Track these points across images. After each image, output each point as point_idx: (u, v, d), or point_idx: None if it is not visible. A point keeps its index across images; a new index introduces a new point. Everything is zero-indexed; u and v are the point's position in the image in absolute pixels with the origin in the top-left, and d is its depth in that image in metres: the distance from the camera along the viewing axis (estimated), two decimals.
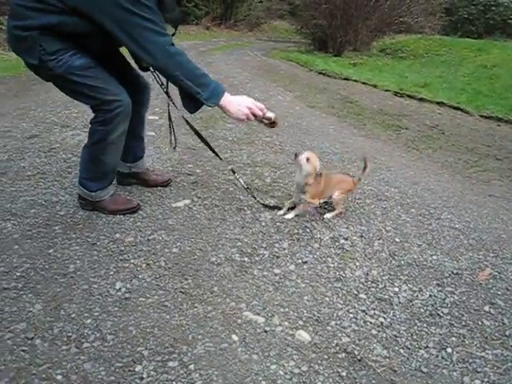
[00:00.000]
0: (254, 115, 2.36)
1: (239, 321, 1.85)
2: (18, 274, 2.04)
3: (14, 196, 2.75)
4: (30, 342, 1.68)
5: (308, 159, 2.49)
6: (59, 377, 1.54)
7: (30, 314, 1.81)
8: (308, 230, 2.57)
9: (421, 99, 6.94)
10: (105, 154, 2.44)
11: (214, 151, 2.78)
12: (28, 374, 1.54)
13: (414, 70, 10.58)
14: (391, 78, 9.01)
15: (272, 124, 2.54)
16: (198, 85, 2.22)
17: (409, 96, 7.14)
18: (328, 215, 2.74)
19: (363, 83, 8.07)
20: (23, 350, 1.64)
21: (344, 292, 2.09)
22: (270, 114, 2.47)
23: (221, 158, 2.83)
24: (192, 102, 2.33)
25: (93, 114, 2.36)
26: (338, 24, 13.14)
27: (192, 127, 2.73)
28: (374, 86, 7.85)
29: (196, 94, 2.23)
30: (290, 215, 2.70)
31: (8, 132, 3.99)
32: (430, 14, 15.68)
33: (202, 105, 2.30)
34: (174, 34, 2.37)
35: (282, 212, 2.73)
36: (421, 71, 10.41)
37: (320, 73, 9.06)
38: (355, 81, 8.27)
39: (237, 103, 2.31)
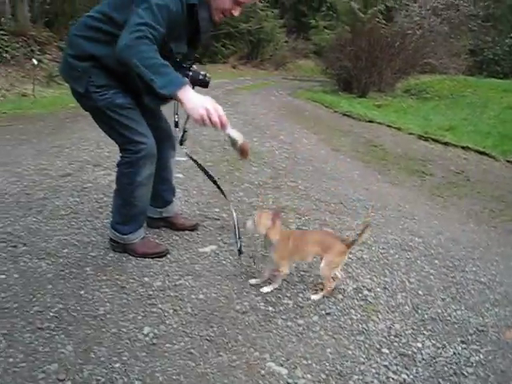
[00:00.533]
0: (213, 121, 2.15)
1: (262, 371, 1.88)
2: (51, 314, 2.12)
3: (48, 235, 2.87)
4: (61, 383, 1.74)
5: (254, 221, 2.36)
6: None
7: (61, 355, 1.87)
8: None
9: (446, 143, 6.96)
10: (134, 197, 2.54)
11: (219, 188, 2.77)
12: None
13: (439, 112, 10.63)
14: (416, 120, 9.08)
15: (242, 154, 2.41)
16: (154, 72, 2.05)
17: (434, 140, 7.17)
18: (314, 297, 2.40)
19: (388, 126, 8.16)
20: None
21: (367, 346, 2.10)
22: (234, 135, 2.27)
23: (225, 196, 2.78)
24: (152, 95, 2.28)
25: None
26: (363, 65, 13.38)
27: (196, 162, 2.77)
28: (399, 129, 7.92)
29: (150, 81, 2.06)
30: (268, 288, 2.42)
31: (44, 170, 4.17)
32: (455, 55, 15.84)
33: (161, 96, 2.15)
34: (199, 59, 2.50)
35: (254, 281, 2.48)
36: (445, 113, 10.46)
37: (344, 114, 9.20)
38: (379, 123, 8.36)
39: (196, 101, 2.11)
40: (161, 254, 2.68)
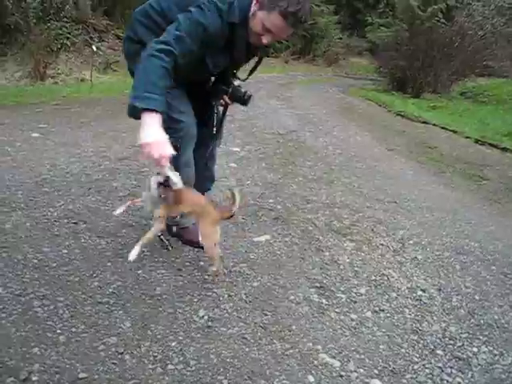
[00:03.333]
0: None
1: (315, 362, 1.88)
2: (110, 290, 2.20)
3: (107, 215, 2.97)
4: (120, 356, 1.80)
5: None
6: None
7: (120, 329, 1.94)
8: (386, 278, 2.57)
9: (503, 149, 6.71)
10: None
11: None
12: None
13: (497, 117, 10.22)
14: (472, 123, 8.78)
15: (175, 200, 2.15)
16: (144, 84, 1.95)
17: (491, 145, 6.92)
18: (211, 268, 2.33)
19: (442, 128, 7.93)
20: (114, 363, 1.76)
21: (420, 345, 2.07)
22: (175, 179, 2.04)
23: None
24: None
25: None
26: (419, 65, 13.05)
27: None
28: (454, 132, 7.69)
29: (132, 87, 2.00)
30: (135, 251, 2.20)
31: (102, 152, 4.31)
32: None
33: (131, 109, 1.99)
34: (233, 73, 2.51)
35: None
36: (504, 118, 10.04)
37: (398, 114, 9.01)
38: (434, 125, 8.14)
39: (149, 132, 1.93)
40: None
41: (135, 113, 1.96)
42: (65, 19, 10.95)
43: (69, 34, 11.05)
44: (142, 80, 1.97)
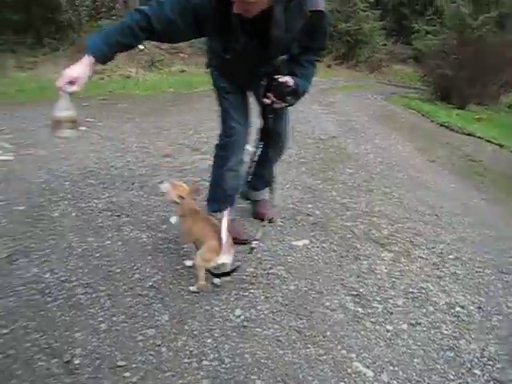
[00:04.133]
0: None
1: (349, 370, 1.88)
2: (150, 283, 2.26)
3: (149, 209, 3.04)
4: (157, 348, 1.85)
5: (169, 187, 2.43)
6: None
7: (158, 322, 1.99)
8: (423, 291, 2.53)
9: None
10: (222, 180, 2.65)
11: None
12: (154, 377, 1.71)
13: None
14: None
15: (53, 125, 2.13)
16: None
17: None
18: (192, 288, 2.25)
19: (488, 141, 7.70)
20: (151, 355, 1.81)
21: (457, 363, 2.02)
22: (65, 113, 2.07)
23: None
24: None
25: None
26: (466, 75, 12.72)
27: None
28: (500, 146, 7.46)
29: None
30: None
31: (145, 148, 4.42)
32: None
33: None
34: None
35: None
36: None
37: (442, 125, 8.81)
38: (479, 138, 7.92)
39: (71, 67, 2.00)
40: (241, 242, 2.67)
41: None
42: (114, 17, 11.24)
43: None
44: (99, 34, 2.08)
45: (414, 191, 4.26)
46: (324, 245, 2.86)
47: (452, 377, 1.94)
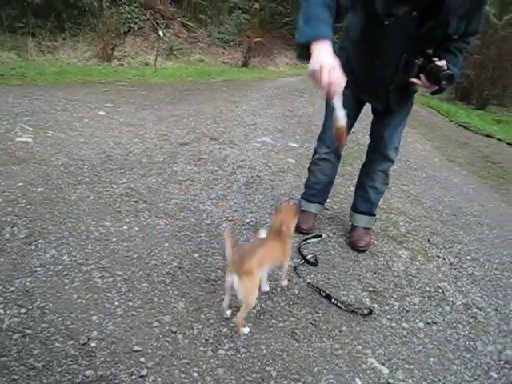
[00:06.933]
0: None
1: (364, 366, 1.86)
2: (166, 269, 2.26)
3: (166, 197, 3.04)
4: (173, 335, 1.85)
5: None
6: (195, 374, 1.68)
7: (174, 309, 1.99)
8: (440, 291, 2.50)
9: None
10: (313, 166, 2.79)
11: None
12: (170, 363, 1.70)
13: None
14: None
15: (336, 137, 1.97)
16: (305, 21, 1.87)
17: None
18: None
19: (508, 144, 7.59)
20: (167, 341, 1.81)
21: (473, 364, 2.00)
22: (338, 112, 1.84)
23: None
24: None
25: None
26: (488, 76, 12.54)
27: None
28: None
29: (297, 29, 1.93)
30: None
31: (164, 136, 4.41)
32: None
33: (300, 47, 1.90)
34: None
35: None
36: None
37: (461, 125, 8.69)
38: (499, 139, 7.80)
39: (319, 55, 1.77)
40: (303, 232, 2.79)
41: (304, 53, 1.83)
42: (135, 4, 11.26)
43: (137, 18, 11.35)
44: (306, 16, 1.87)
45: (432, 190, 4.21)
46: (341, 239, 2.84)
47: (468, 378, 1.92)
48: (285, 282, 2.26)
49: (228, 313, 1.99)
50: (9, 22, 8.96)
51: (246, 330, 1.93)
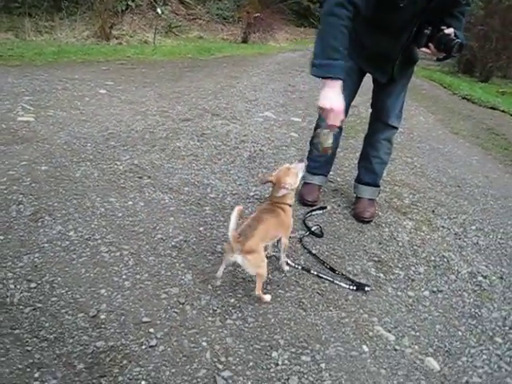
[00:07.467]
0: None
1: (370, 333, 1.89)
2: (172, 243, 2.27)
3: (170, 172, 3.04)
4: (181, 306, 1.87)
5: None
6: (204, 343, 1.70)
7: (181, 281, 2.01)
8: (445, 260, 2.51)
9: None
10: (313, 140, 2.67)
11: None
12: (179, 333, 1.73)
13: None
14: None
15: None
16: (322, 50, 1.98)
17: None
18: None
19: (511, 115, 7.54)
20: (175, 312, 1.83)
21: (478, 331, 2.02)
22: (324, 136, 2.14)
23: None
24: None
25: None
26: (492, 47, 12.34)
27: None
28: None
29: (313, 55, 2.02)
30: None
31: (165, 112, 4.39)
32: None
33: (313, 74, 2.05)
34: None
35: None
36: None
37: (464, 98, 8.61)
38: (503, 111, 7.72)
39: (330, 95, 1.98)
40: (308, 203, 2.81)
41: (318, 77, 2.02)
42: None
43: None
44: (322, 46, 1.98)
45: (436, 162, 4.20)
46: (345, 211, 2.85)
47: (473, 343, 1.94)
48: (286, 268, 2.19)
49: (218, 282, 2.01)
50: (4, 3, 8.85)
51: (268, 297, 1.96)
